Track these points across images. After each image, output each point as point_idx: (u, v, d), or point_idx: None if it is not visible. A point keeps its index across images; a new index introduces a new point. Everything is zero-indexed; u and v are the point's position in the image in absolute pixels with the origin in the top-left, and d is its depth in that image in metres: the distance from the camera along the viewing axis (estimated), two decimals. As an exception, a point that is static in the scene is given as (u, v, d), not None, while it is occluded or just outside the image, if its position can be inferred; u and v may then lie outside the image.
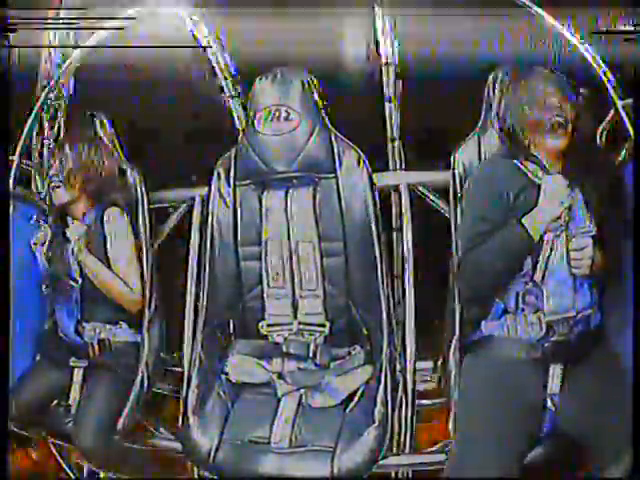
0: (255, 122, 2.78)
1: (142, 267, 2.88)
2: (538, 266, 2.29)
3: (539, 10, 2.56)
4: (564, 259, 2.30)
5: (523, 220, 2.26)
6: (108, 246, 2.83)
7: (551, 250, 2.29)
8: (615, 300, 2.39)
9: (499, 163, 2.45)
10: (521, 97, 2.37)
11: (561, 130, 2.30)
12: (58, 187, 2.85)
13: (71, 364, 2.83)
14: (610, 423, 2.19)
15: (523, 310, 2.32)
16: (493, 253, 2.29)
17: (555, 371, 2.30)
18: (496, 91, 2.63)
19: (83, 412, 2.73)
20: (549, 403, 2.29)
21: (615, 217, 2.37)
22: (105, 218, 2.85)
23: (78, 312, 2.84)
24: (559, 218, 2.27)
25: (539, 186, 2.30)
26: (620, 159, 2.54)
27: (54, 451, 3.12)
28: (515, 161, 2.39)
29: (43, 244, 2.89)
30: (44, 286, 2.89)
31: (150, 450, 2.83)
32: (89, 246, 2.80)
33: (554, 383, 2.30)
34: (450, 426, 2.41)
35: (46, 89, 3.10)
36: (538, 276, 2.29)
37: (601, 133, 2.55)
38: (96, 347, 2.81)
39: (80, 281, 2.82)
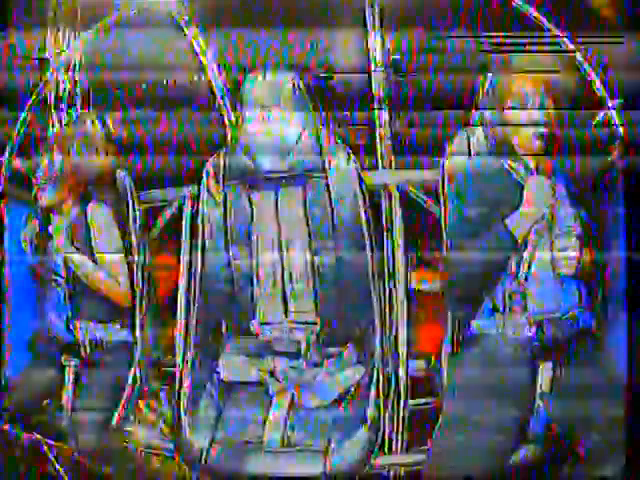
0: (244, 121, 2.77)
1: (133, 265, 2.89)
2: (522, 266, 2.30)
3: (529, 9, 2.55)
4: (548, 259, 2.31)
5: (507, 221, 2.28)
6: (92, 242, 2.83)
7: (535, 250, 2.30)
8: (605, 299, 2.40)
9: (484, 163, 2.46)
10: (504, 95, 2.37)
11: (544, 129, 2.31)
12: (44, 189, 2.85)
13: (63, 363, 2.83)
14: (600, 422, 2.21)
15: (511, 309, 2.33)
16: (478, 254, 2.30)
17: (545, 370, 2.31)
18: (483, 89, 2.62)
19: (77, 411, 2.73)
20: (539, 402, 2.30)
21: (603, 216, 2.38)
22: (88, 214, 2.85)
23: (68, 309, 2.84)
24: (542, 219, 2.28)
25: (523, 187, 2.31)
26: (609, 158, 2.53)
27: (47, 450, 3.12)
28: (501, 161, 2.39)
29: (32, 241, 2.89)
30: (34, 283, 2.89)
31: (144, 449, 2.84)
32: (73, 241, 2.80)
33: (544, 382, 2.31)
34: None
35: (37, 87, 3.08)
36: (522, 276, 2.30)
37: (590, 133, 2.54)
38: (88, 346, 2.81)
39: (64, 277, 2.82)
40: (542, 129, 2.31)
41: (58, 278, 2.83)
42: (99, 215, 2.85)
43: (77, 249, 2.80)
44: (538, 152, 2.35)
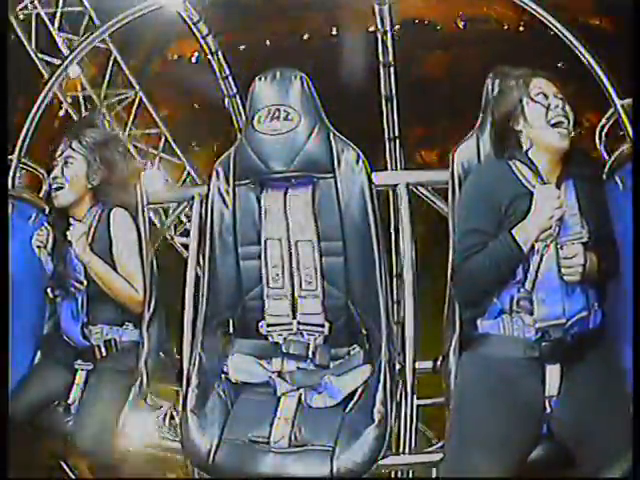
0: (254, 122, 2.76)
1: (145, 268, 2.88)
2: (529, 274, 2.30)
3: (540, 11, 2.55)
4: (554, 267, 2.30)
5: (514, 231, 2.27)
6: (114, 247, 2.82)
7: (541, 258, 2.30)
8: (614, 302, 2.39)
9: (493, 170, 2.46)
10: (522, 95, 2.37)
11: (564, 130, 2.32)
12: (61, 188, 2.83)
13: (76, 367, 2.83)
14: (607, 425, 2.19)
15: (518, 313, 2.33)
16: (486, 265, 2.31)
17: (553, 372, 2.30)
18: (495, 90, 2.61)
19: (86, 413, 2.72)
20: (546, 404, 2.29)
21: (609, 220, 2.37)
22: (112, 219, 2.84)
23: (84, 315, 2.83)
24: (550, 228, 2.27)
25: (532, 194, 2.30)
26: (617, 159, 2.52)
27: (54, 451, 3.11)
28: (510, 164, 2.39)
29: (46, 246, 2.86)
30: (49, 289, 2.87)
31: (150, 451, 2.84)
32: (92, 247, 2.78)
33: (552, 384, 2.30)
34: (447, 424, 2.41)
35: (47, 86, 3.09)
36: (529, 284, 2.30)
37: (599, 133, 2.53)
38: (102, 349, 2.80)
39: (86, 283, 2.81)
40: (565, 130, 2.32)
41: (77, 284, 2.82)
42: (123, 222, 2.85)
43: (97, 255, 2.78)
44: (555, 155, 2.35)
